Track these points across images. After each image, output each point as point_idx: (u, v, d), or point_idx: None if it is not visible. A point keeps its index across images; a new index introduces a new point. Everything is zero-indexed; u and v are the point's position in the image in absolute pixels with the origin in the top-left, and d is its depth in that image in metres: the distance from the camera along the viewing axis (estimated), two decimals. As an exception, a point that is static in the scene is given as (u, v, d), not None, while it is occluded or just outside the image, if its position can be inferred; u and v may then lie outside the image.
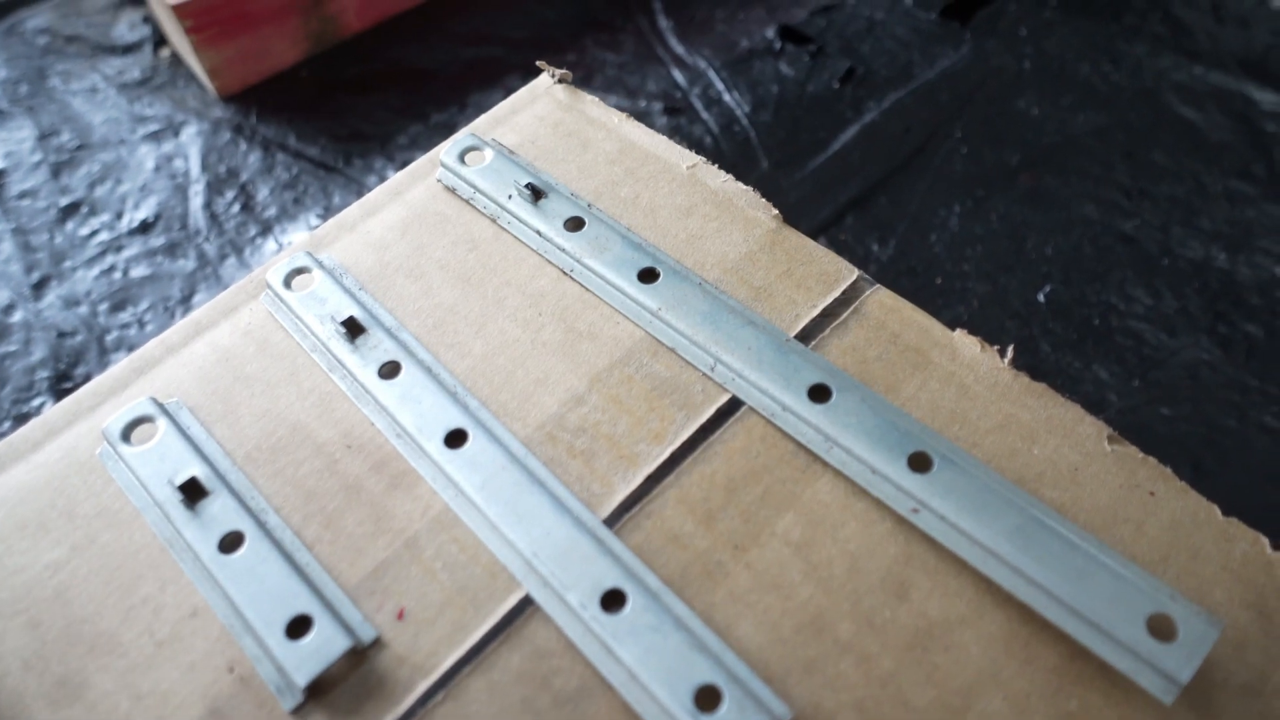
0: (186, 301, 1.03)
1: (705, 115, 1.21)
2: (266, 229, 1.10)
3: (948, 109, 1.22)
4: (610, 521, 0.52)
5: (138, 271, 1.06)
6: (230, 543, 0.51)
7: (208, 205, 1.12)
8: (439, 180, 0.67)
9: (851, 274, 0.61)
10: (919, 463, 0.51)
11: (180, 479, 0.52)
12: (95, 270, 1.06)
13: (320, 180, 1.14)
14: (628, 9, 1.34)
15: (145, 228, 1.10)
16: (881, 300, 0.60)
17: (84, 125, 1.20)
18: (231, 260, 1.07)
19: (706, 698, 0.45)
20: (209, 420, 0.57)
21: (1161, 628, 0.45)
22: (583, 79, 1.25)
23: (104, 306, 1.03)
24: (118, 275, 1.05)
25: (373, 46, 1.29)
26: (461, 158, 0.67)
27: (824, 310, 0.59)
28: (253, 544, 0.51)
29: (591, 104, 0.72)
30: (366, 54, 1.28)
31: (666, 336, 0.58)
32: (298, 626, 0.48)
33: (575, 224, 0.63)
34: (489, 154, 0.67)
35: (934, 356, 0.57)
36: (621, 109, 0.71)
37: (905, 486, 0.51)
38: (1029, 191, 1.12)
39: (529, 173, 0.66)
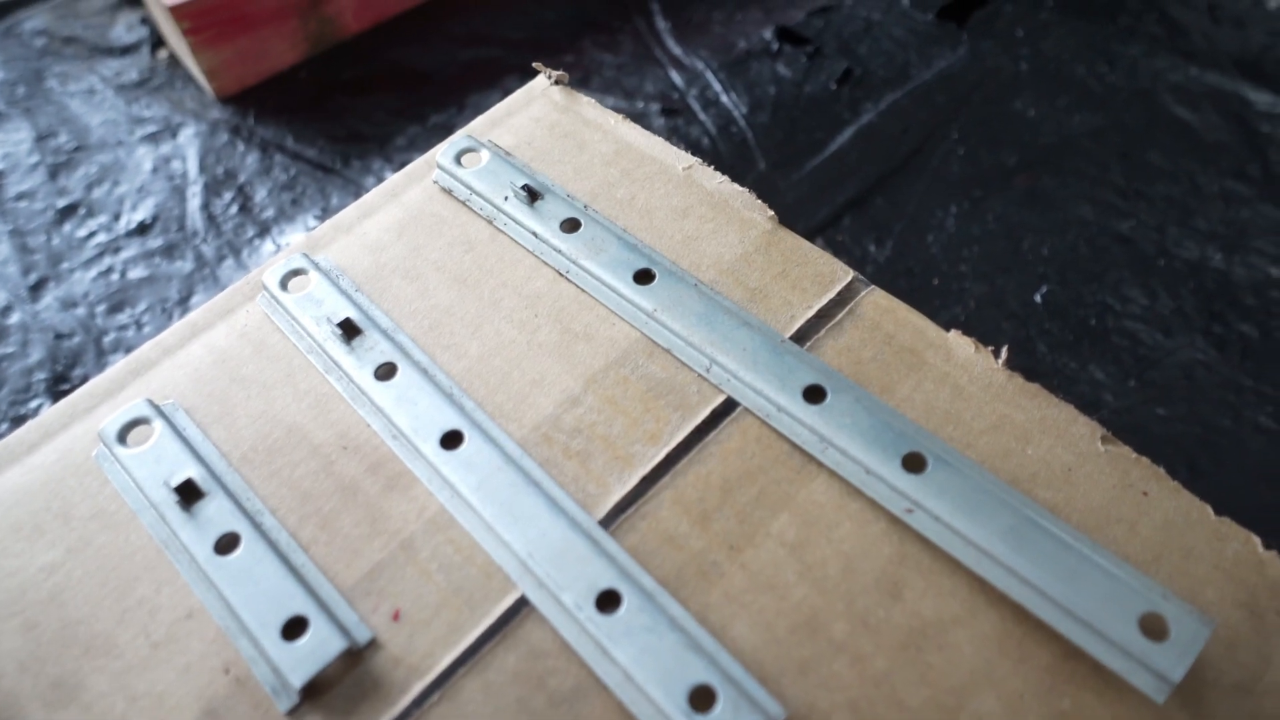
0: (184, 303, 1.04)
1: (703, 116, 1.21)
2: (264, 230, 1.10)
3: (944, 110, 1.22)
4: (606, 522, 0.52)
5: (135, 273, 1.06)
6: (226, 544, 0.51)
7: (205, 207, 1.12)
8: (435, 182, 0.67)
9: (846, 275, 0.61)
10: (913, 463, 0.51)
11: (176, 480, 0.53)
12: (93, 272, 1.06)
13: (318, 181, 1.14)
14: (626, 10, 1.34)
15: (143, 229, 1.10)
16: (876, 301, 0.60)
17: (81, 127, 1.20)
18: (229, 262, 1.07)
19: (701, 698, 0.45)
20: (205, 422, 0.57)
21: (1154, 627, 0.45)
22: (581, 80, 1.25)
23: (101, 308, 1.03)
24: (115, 277, 1.05)
25: (371, 48, 1.29)
26: (458, 159, 0.67)
27: (819, 311, 0.60)
28: (248, 545, 0.51)
29: (588, 105, 0.72)
30: (365, 55, 1.28)
31: (662, 338, 0.58)
32: (293, 628, 0.48)
33: (571, 225, 0.63)
34: (485, 155, 0.67)
35: (928, 357, 0.57)
36: (619, 110, 0.72)
37: (899, 487, 0.51)
38: (1026, 192, 1.12)
39: (525, 174, 0.66)
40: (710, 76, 1.25)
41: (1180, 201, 1.10)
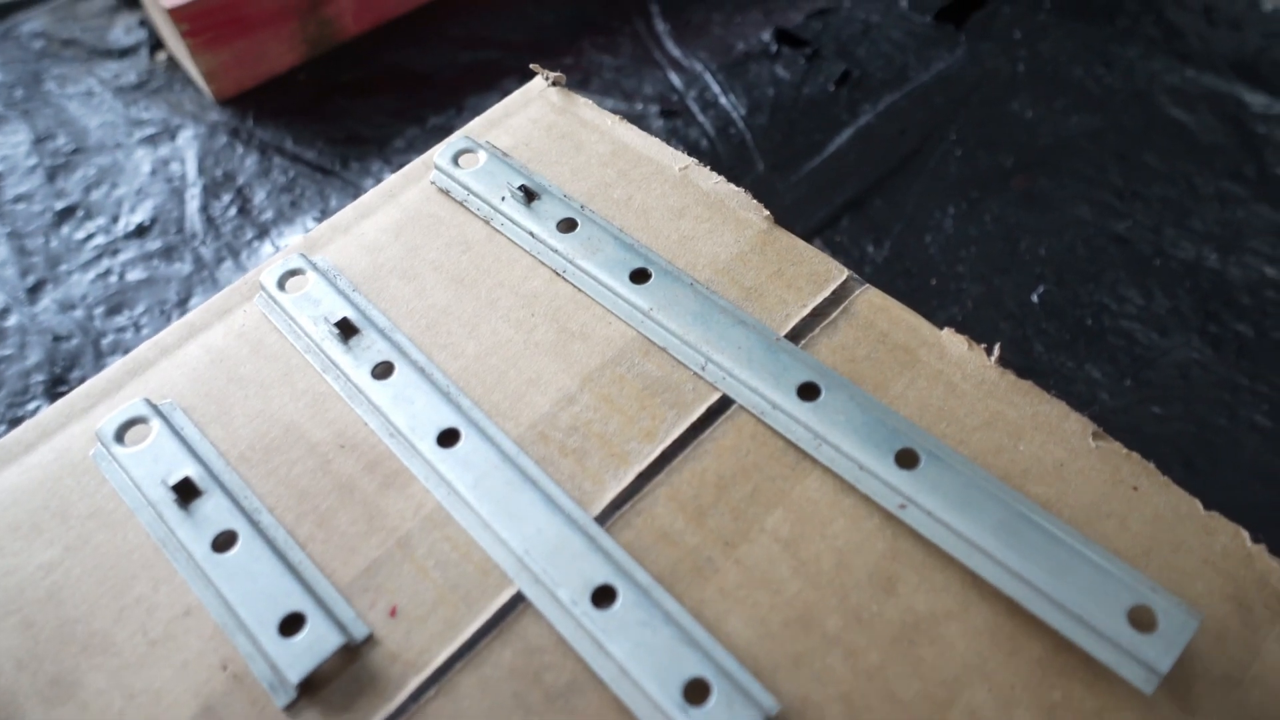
0: (183, 305, 1.04)
1: (701, 118, 1.21)
2: (263, 232, 1.10)
3: (942, 111, 1.22)
4: (602, 519, 0.52)
5: (133, 275, 1.06)
6: (223, 542, 0.51)
7: (204, 209, 1.12)
8: (433, 183, 0.68)
9: (841, 274, 0.61)
10: (906, 459, 0.52)
11: (174, 479, 0.53)
12: (91, 274, 1.06)
13: (317, 183, 1.15)
14: (625, 12, 1.34)
15: (141, 231, 1.10)
16: (870, 300, 0.60)
17: (80, 129, 1.21)
18: (228, 263, 1.07)
19: (696, 691, 0.45)
20: (203, 421, 0.57)
21: (1142, 619, 0.45)
22: (580, 82, 1.26)
23: (100, 310, 1.03)
24: (113, 279, 1.06)
25: (370, 50, 1.29)
26: (455, 160, 0.68)
27: (814, 310, 0.60)
28: (246, 543, 0.51)
29: (585, 106, 0.72)
30: (364, 57, 1.28)
31: (658, 336, 0.59)
32: (291, 624, 0.48)
33: (568, 225, 0.64)
34: (483, 156, 0.68)
35: (922, 355, 0.57)
36: (618, 112, 0.72)
37: (892, 483, 0.51)
38: (1023, 193, 1.12)
39: (522, 175, 0.66)
40: (709, 78, 1.25)
41: (1176, 202, 1.10)
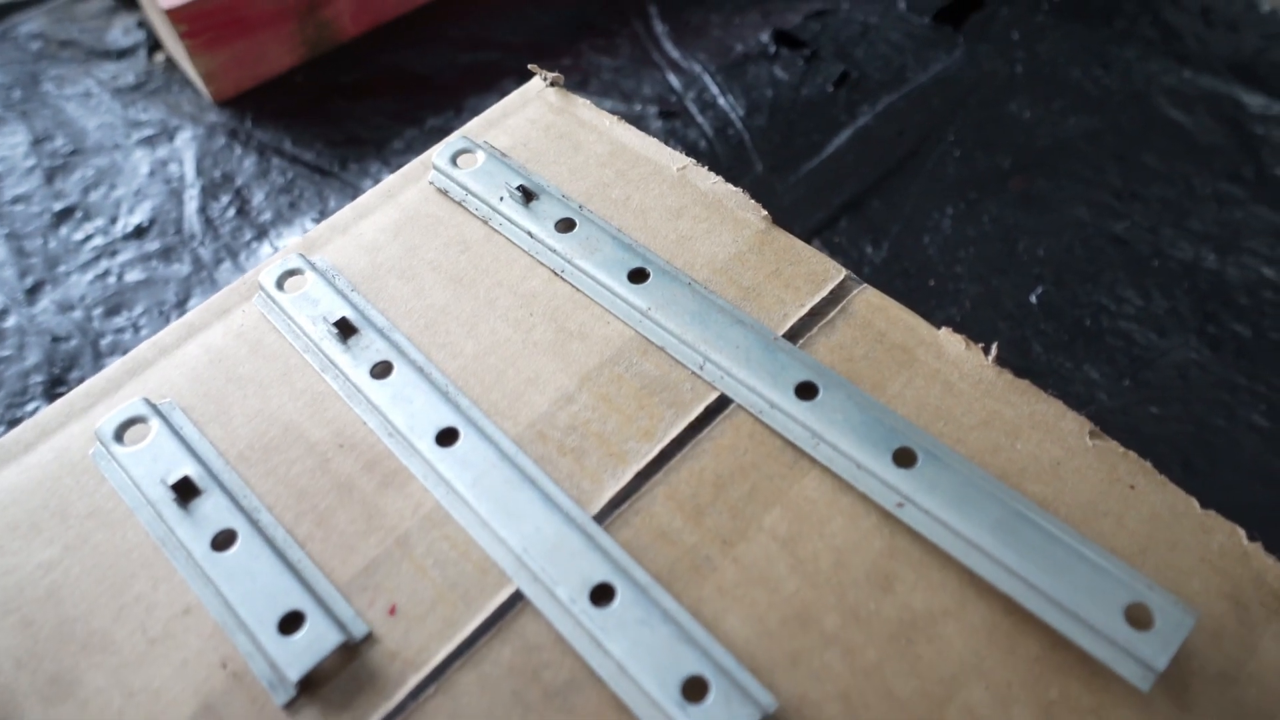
0: (181, 306, 1.04)
1: (700, 119, 1.21)
2: (262, 233, 1.10)
3: (941, 112, 1.22)
4: (600, 518, 0.52)
5: (132, 276, 1.06)
6: (223, 541, 0.51)
7: (203, 210, 1.12)
8: (431, 183, 0.68)
9: (839, 274, 0.61)
10: (904, 458, 0.52)
11: (173, 478, 0.53)
12: (89, 275, 1.06)
13: (316, 185, 1.15)
14: (623, 14, 1.34)
15: (140, 232, 1.10)
16: (868, 299, 0.60)
17: (78, 130, 1.21)
18: (227, 264, 1.07)
19: (694, 689, 0.45)
20: (202, 420, 0.57)
21: (1139, 617, 0.45)
22: (579, 83, 1.26)
23: (98, 311, 1.03)
24: (112, 280, 1.06)
25: (368, 52, 1.29)
26: (454, 160, 0.68)
27: (812, 309, 0.60)
28: (245, 542, 0.51)
29: (583, 107, 0.72)
30: (362, 59, 1.29)
31: (656, 336, 0.59)
32: (290, 623, 0.48)
33: (566, 225, 0.64)
34: (481, 156, 0.68)
35: (920, 354, 0.58)
36: (617, 113, 0.72)
37: (890, 481, 0.51)
38: (1021, 194, 1.13)
39: (520, 175, 0.66)
40: (708, 79, 1.26)
41: (1175, 203, 1.10)
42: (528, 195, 0.65)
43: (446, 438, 0.55)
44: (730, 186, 0.66)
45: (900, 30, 1.32)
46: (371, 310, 0.61)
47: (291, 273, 0.62)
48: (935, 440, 0.53)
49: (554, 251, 0.63)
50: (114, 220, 1.11)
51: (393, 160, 1.17)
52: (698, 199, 0.66)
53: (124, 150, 1.18)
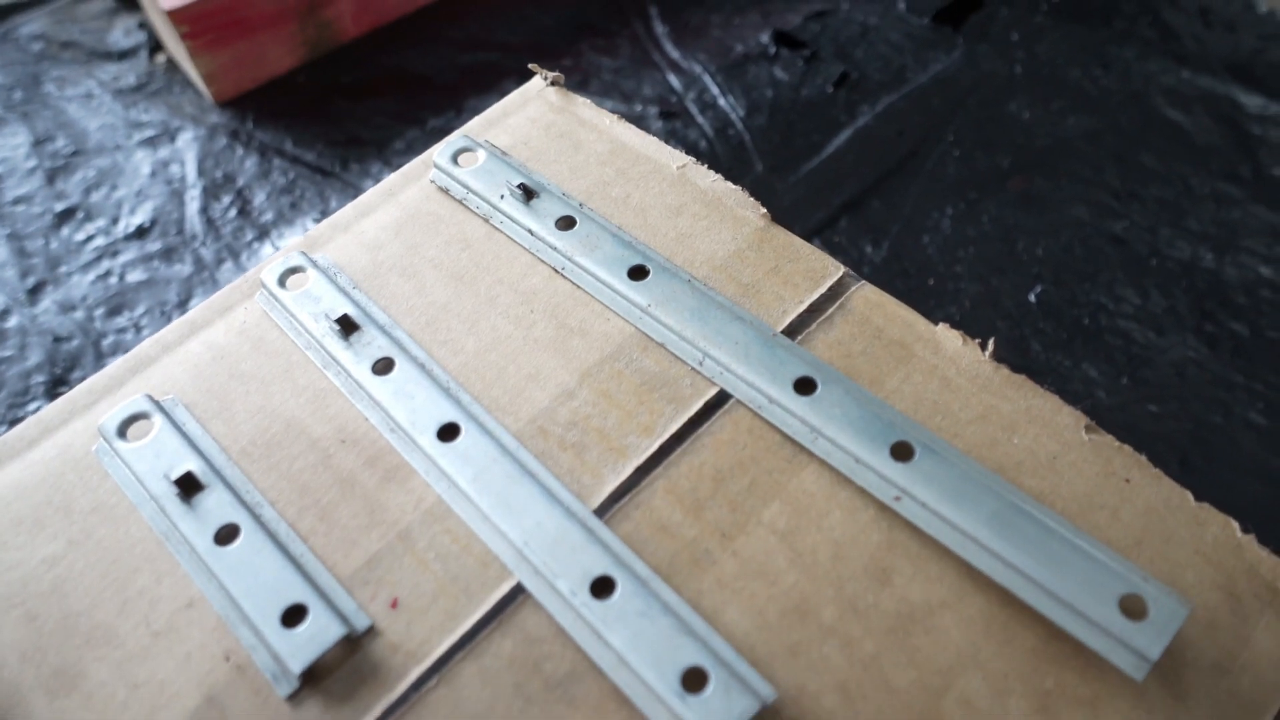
0: (183, 306, 1.04)
1: (700, 119, 1.22)
2: (263, 233, 1.10)
3: (940, 113, 1.23)
4: (600, 512, 0.53)
5: (134, 276, 1.06)
6: (226, 535, 0.52)
7: (204, 210, 1.12)
8: (432, 181, 0.68)
9: (838, 271, 0.62)
10: (901, 452, 0.52)
11: (176, 473, 0.53)
12: (91, 275, 1.06)
13: (317, 185, 1.15)
14: (623, 15, 1.35)
15: (141, 233, 1.10)
16: (866, 296, 0.61)
17: (79, 131, 1.21)
18: (228, 265, 1.07)
19: (693, 679, 0.46)
20: (204, 417, 0.58)
21: (1133, 607, 0.46)
22: (579, 84, 1.26)
23: (100, 311, 1.03)
24: (114, 280, 1.06)
25: (369, 53, 1.30)
26: (454, 159, 0.68)
27: (810, 306, 0.60)
28: (248, 536, 0.52)
29: (583, 106, 0.73)
30: (363, 60, 1.29)
31: (656, 332, 0.59)
32: (293, 616, 0.49)
33: (567, 223, 0.64)
34: (482, 155, 0.68)
35: (917, 350, 0.58)
36: (617, 113, 0.72)
37: (888, 475, 0.52)
38: (1020, 194, 1.13)
39: (521, 173, 0.67)
40: (708, 80, 1.26)
41: (1173, 203, 1.11)
42: (528, 193, 0.65)
43: (448, 433, 0.55)
44: (730, 184, 0.66)
45: (900, 31, 1.33)
46: (373, 307, 0.61)
47: (293, 270, 0.63)
48: (932, 435, 0.53)
49: (554, 249, 0.63)
50: (115, 221, 1.11)
51: (394, 160, 1.18)
52: (697, 197, 0.66)
53: (125, 151, 1.19)
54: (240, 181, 1.15)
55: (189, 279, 1.06)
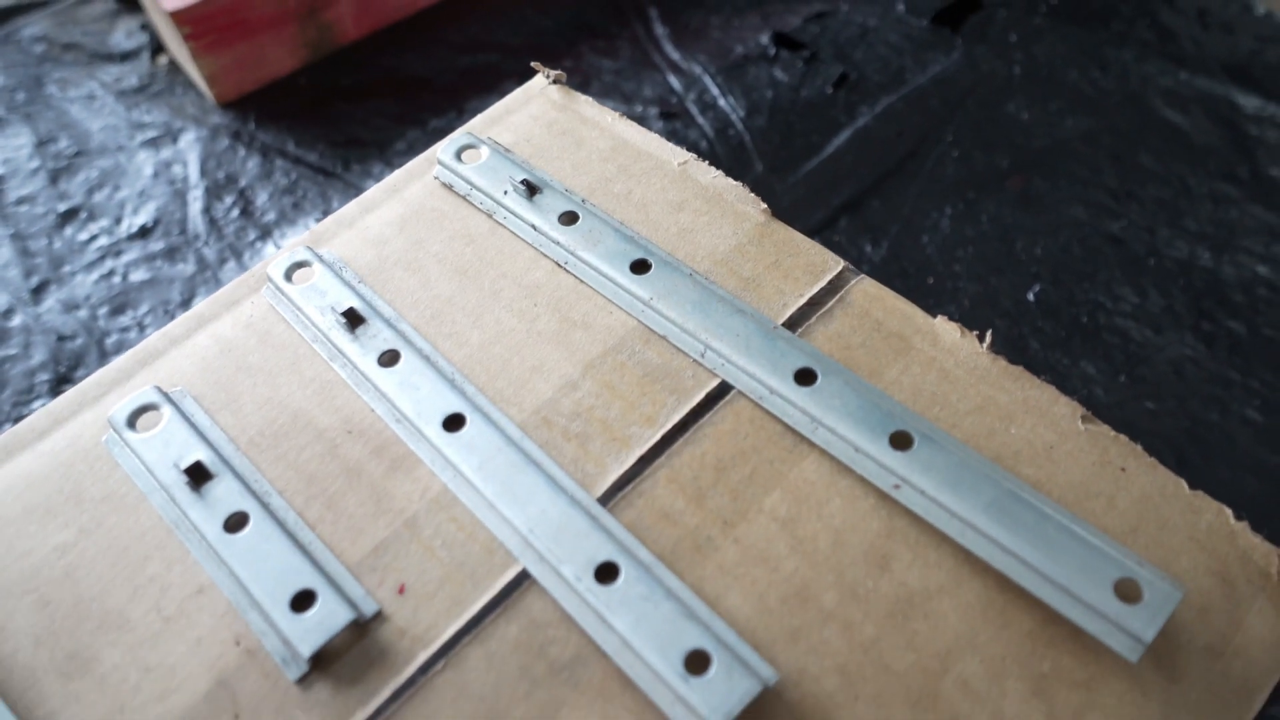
0: (186, 305, 1.04)
1: (701, 120, 1.22)
2: (266, 233, 1.11)
3: (939, 114, 1.23)
4: (604, 500, 0.54)
5: (137, 276, 1.07)
6: (235, 523, 0.53)
7: (207, 210, 1.13)
8: (436, 178, 0.69)
9: (837, 265, 0.62)
10: (900, 441, 0.53)
11: (185, 463, 0.54)
12: (94, 275, 1.07)
13: (319, 185, 1.15)
14: (623, 16, 1.35)
15: (144, 232, 1.10)
16: (865, 289, 0.61)
17: (82, 132, 1.21)
18: (231, 264, 1.08)
19: (696, 662, 0.46)
20: (213, 408, 0.58)
21: (1127, 591, 0.47)
22: (580, 85, 1.26)
23: (103, 310, 1.04)
24: (117, 279, 1.06)
25: (370, 55, 1.30)
26: (458, 155, 0.69)
27: (810, 299, 0.61)
28: (257, 524, 0.52)
29: (585, 103, 0.73)
30: (363, 62, 1.29)
31: (658, 325, 0.60)
32: (301, 601, 0.49)
33: (569, 218, 0.65)
34: (485, 152, 0.69)
35: (916, 342, 0.59)
36: (618, 113, 0.73)
37: (887, 464, 0.52)
38: (1019, 194, 1.13)
39: (524, 169, 0.67)
40: (708, 81, 1.26)
41: (1170, 202, 1.11)
42: (531, 189, 0.66)
43: (453, 423, 0.56)
44: (730, 181, 0.67)
45: (899, 32, 1.33)
46: (378, 301, 0.62)
47: (299, 265, 0.63)
48: (931, 424, 0.54)
49: (557, 244, 0.64)
50: (118, 221, 1.12)
51: (395, 161, 1.18)
52: (698, 193, 0.67)
53: (128, 152, 1.19)
54: (242, 182, 1.16)
55: (192, 278, 1.07)
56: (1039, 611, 0.48)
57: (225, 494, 0.54)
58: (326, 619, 0.49)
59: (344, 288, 0.62)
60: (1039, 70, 1.28)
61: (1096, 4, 1.35)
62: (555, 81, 0.75)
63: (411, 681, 0.48)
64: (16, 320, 1.03)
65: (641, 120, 1.18)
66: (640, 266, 0.62)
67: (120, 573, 0.52)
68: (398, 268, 0.64)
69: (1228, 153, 1.16)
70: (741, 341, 0.58)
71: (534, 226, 0.65)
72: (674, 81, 1.27)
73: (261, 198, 1.14)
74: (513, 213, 0.66)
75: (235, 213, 1.13)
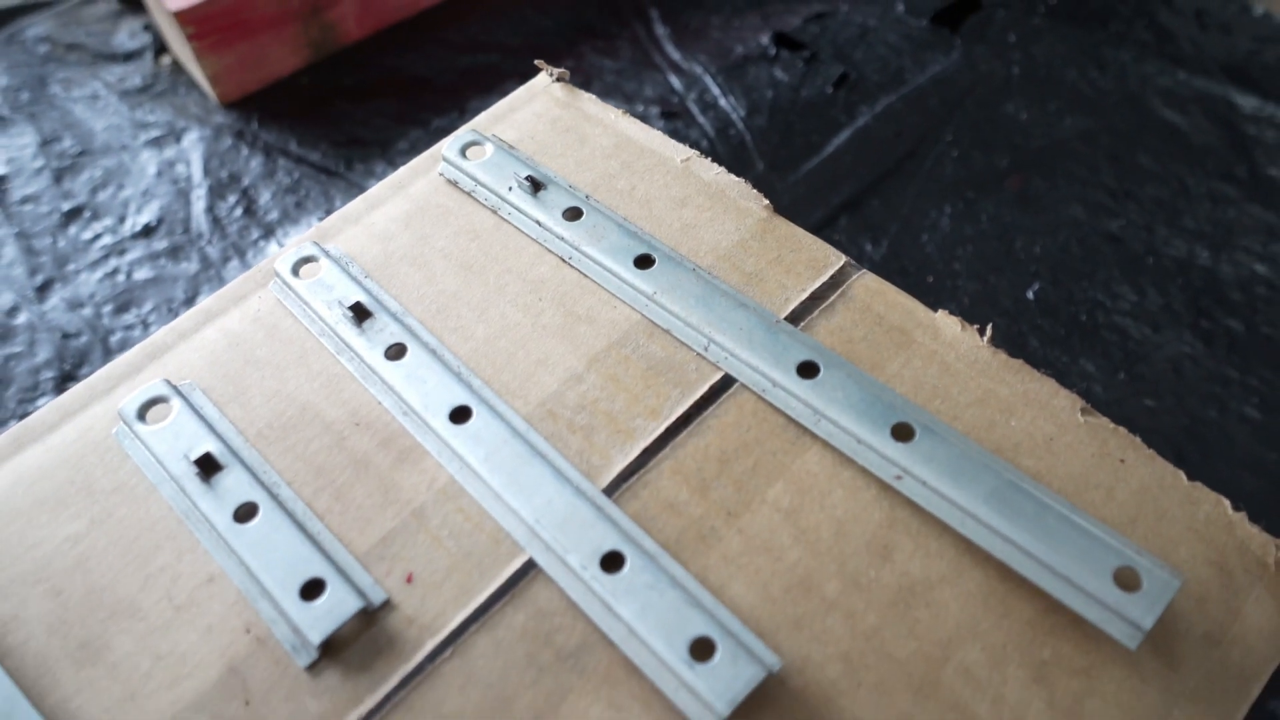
0: (190, 303, 1.05)
1: (702, 119, 1.22)
2: (269, 232, 1.11)
3: (938, 113, 1.23)
4: (609, 491, 0.54)
5: (141, 274, 1.07)
6: (244, 513, 0.53)
7: (210, 209, 1.13)
8: (441, 174, 0.69)
9: (839, 260, 0.63)
10: (902, 433, 0.54)
11: (195, 454, 0.54)
12: (98, 273, 1.07)
13: (321, 184, 1.16)
14: (623, 17, 1.36)
15: (148, 231, 1.11)
16: (867, 284, 0.62)
17: (85, 131, 1.22)
18: (234, 263, 1.08)
19: (701, 649, 0.47)
20: (221, 401, 0.59)
21: (1127, 580, 0.47)
22: (581, 85, 1.24)
23: (108, 308, 1.04)
24: (121, 278, 1.07)
25: (371, 55, 1.30)
26: (463, 152, 0.69)
27: (812, 294, 0.62)
28: (266, 514, 0.53)
29: (589, 101, 0.74)
30: (364, 62, 1.29)
31: (661, 319, 0.60)
32: (311, 589, 0.50)
33: (573, 214, 0.65)
34: (489, 148, 0.69)
35: (917, 336, 0.59)
36: (620, 111, 0.73)
37: (889, 455, 0.53)
38: (1018, 194, 1.14)
39: (528, 166, 0.68)
40: (709, 81, 1.27)
41: (1169, 202, 1.12)
42: (536, 185, 0.66)
43: (459, 415, 0.57)
44: (733, 177, 0.68)
45: (898, 32, 1.34)
46: (385, 296, 0.62)
47: (306, 260, 0.64)
48: (932, 416, 0.54)
49: (562, 239, 0.64)
50: (122, 219, 1.12)
51: (397, 160, 1.18)
52: (701, 189, 0.67)
53: (131, 151, 1.19)
54: (245, 181, 1.16)
55: (195, 277, 1.07)
56: (1039, 600, 0.49)
57: (234, 485, 0.54)
58: (336, 607, 0.49)
59: (350, 282, 0.62)
60: (1038, 70, 1.28)
61: (1095, 4, 1.36)
62: (558, 79, 0.76)
63: (420, 669, 0.49)
64: (21, 318, 1.03)
65: (643, 119, 1.18)
66: (644, 261, 0.62)
67: (131, 562, 0.53)
68: (403, 263, 0.65)
69: (1226, 152, 1.17)
70: (744, 335, 0.58)
71: (538, 222, 0.65)
72: (675, 81, 1.27)
73: (264, 197, 1.15)
74: (517, 208, 0.66)
75: (238, 212, 1.13)
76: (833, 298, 0.61)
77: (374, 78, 1.28)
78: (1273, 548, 0.51)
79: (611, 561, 0.50)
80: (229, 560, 0.52)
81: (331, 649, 0.49)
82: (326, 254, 0.64)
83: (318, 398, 0.59)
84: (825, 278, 0.62)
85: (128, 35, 1.33)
